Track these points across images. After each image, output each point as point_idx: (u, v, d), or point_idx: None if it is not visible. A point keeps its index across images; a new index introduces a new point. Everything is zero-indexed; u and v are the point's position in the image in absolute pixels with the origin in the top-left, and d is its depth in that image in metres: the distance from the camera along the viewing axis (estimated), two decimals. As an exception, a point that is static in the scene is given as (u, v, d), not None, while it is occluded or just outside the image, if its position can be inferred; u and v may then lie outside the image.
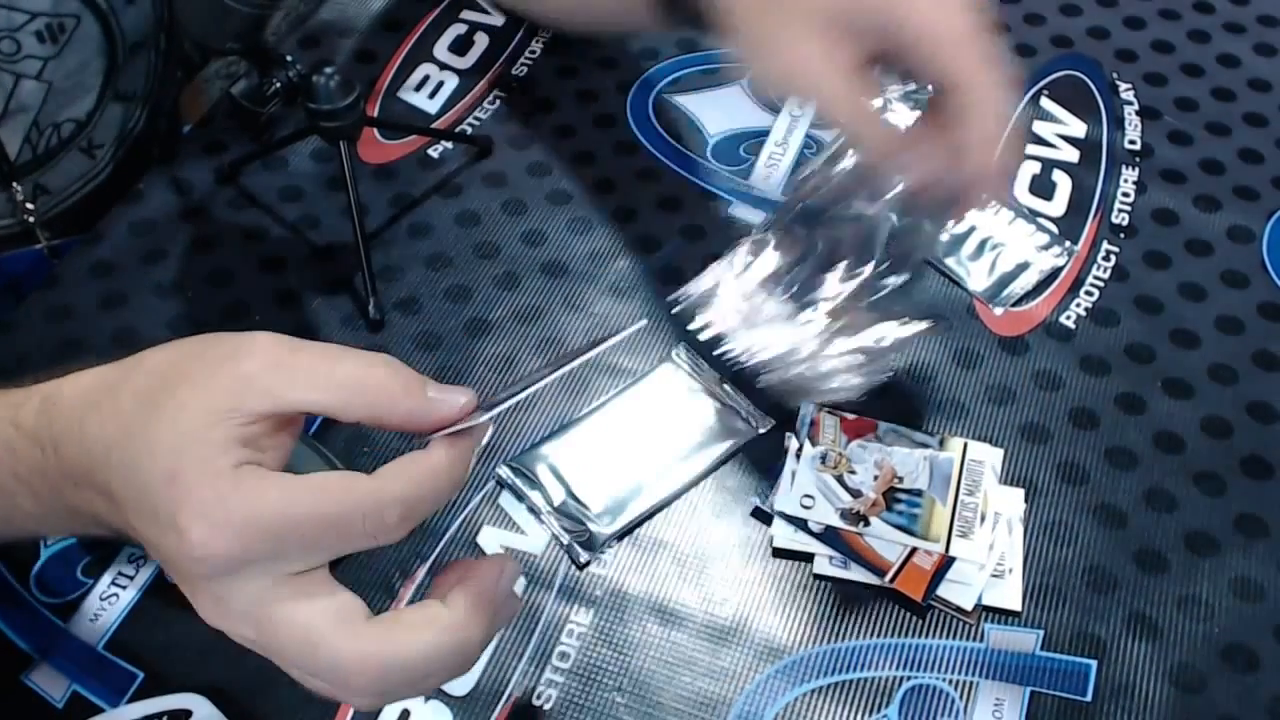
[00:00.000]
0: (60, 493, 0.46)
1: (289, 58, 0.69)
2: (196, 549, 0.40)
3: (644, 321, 0.57)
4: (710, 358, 0.67)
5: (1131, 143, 0.83)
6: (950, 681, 0.58)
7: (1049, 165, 0.81)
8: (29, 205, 0.79)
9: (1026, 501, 0.64)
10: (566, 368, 0.46)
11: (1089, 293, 0.74)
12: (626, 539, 0.63)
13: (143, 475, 0.42)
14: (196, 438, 0.41)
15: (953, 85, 0.56)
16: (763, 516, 0.63)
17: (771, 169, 0.81)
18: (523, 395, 0.45)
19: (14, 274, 0.81)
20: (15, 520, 0.49)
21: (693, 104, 0.84)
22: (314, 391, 0.43)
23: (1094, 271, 0.75)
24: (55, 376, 0.48)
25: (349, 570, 0.61)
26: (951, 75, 0.56)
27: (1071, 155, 0.82)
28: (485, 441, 0.49)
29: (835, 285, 0.60)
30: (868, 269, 0.60)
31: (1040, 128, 0.84)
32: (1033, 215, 0.77)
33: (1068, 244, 0.75)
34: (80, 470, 0.45)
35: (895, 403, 0.68)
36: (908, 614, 0.60)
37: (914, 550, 0.61)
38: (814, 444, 0.65)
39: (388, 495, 0.42)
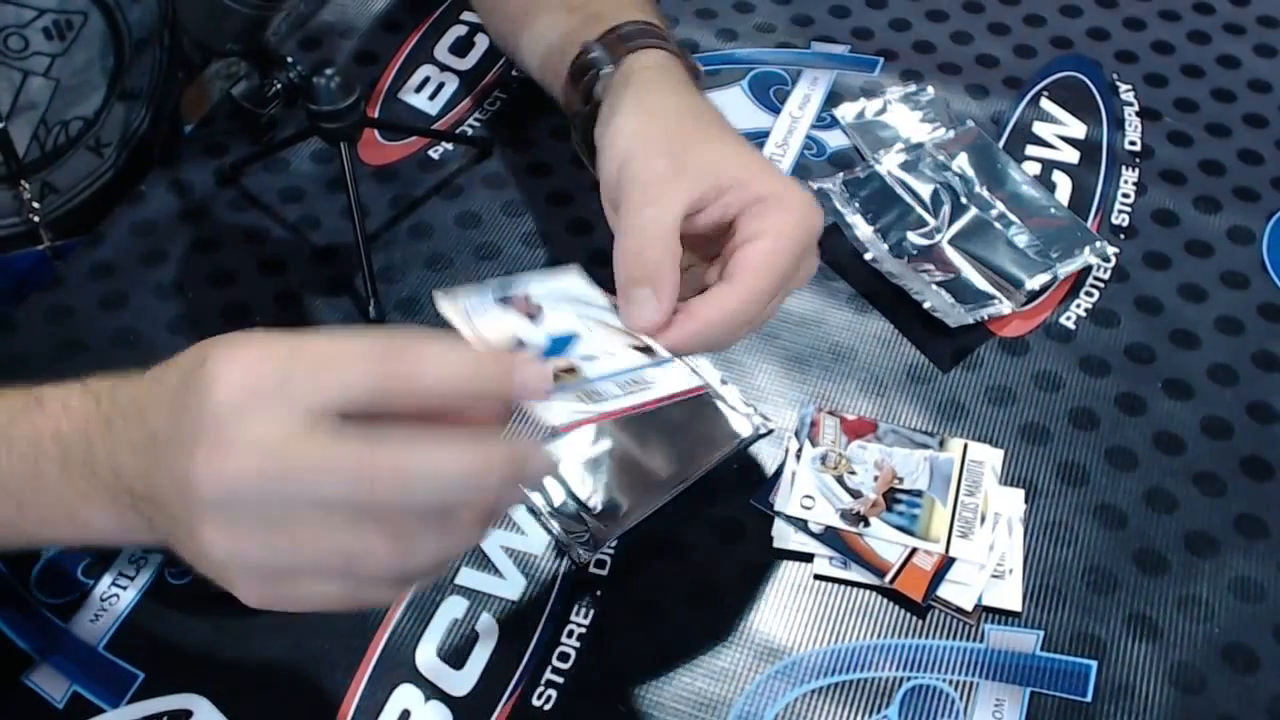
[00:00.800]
0: (93, 456, 0.45)
1: (289, 59, 0.69)
2: (199, 469, 0.40)
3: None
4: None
5: (1131, 143, 0.83)
6: (950, 682, 0.58)
7: (1049, 166, 0.81)
8: (35, 204, 0.79)
9: (1026, 502, 0.64)
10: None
11: (1089, 293, 0.74)
12: (626, 539, 0.63)
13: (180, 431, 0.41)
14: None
15: (732, 272, 0.55)
16: (762, 516, 0.63)
17: (772, 170, 0.81)
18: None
19: (17, 274, 0.82)
20: (28, 501, 0.48)
21: (693, 105, 0.84)
22: (404, 403, 0.42)
23: (1094, 272, 0.75)
24: (56, 379, 0.48)
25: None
26: (741, 265, 0.55)
27: (1071, 156, 0.82)
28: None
29: None
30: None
31: (1040, 128, 0.84)
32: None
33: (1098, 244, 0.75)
34: (127, 418, 0.45)
35: (895, 403, 0.68)
36: (908, 614, 0.60)
37: (914, 550, 0.61)
38: (814, 444, 0.65)
39: (458, 452, 0.41)
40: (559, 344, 0.48)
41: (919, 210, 0.77)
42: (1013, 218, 0.76)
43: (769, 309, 0.56)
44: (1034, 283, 0.73)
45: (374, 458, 0.40)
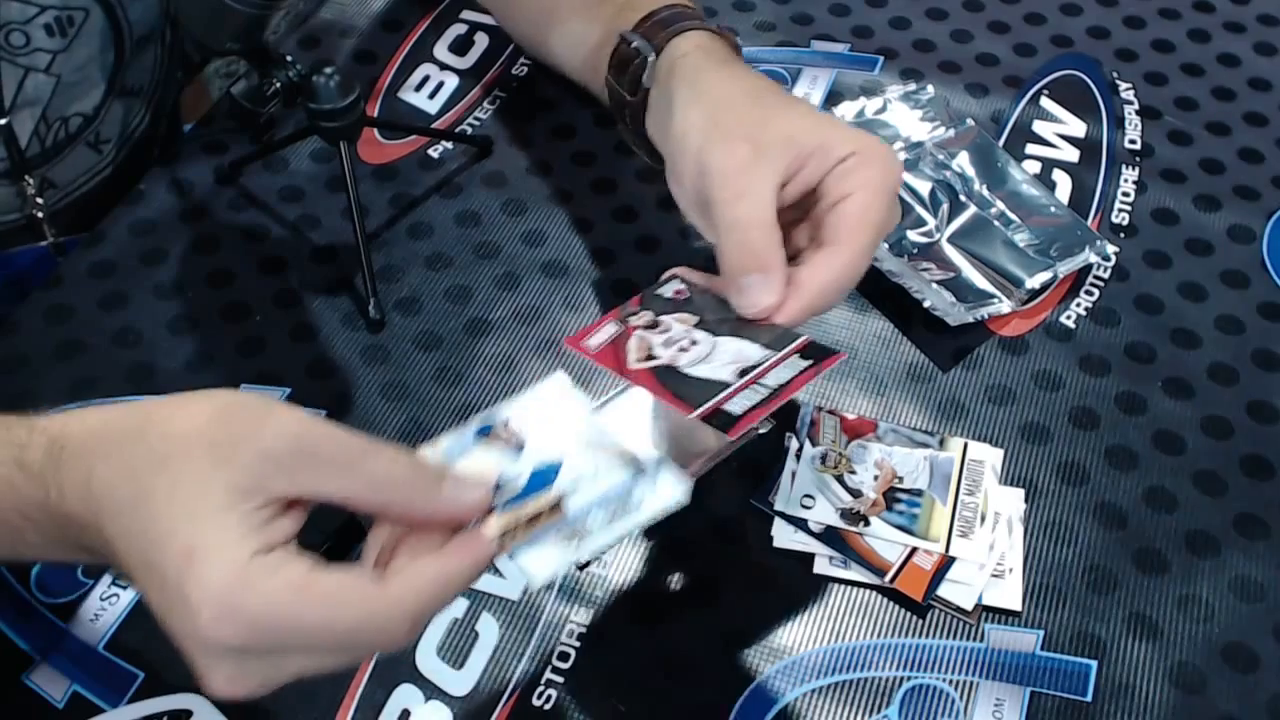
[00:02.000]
0: (65, 532, 0.46)
1: (289, 58, 0.69)
2: (204, 629, 0.41)
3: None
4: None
5: (1131, 142, 0.83)
6: (950, 681, 0.58)
7: (1049, 165, 0.81)
8: (39, 199, 0.79)
9: (1026, 501, 0.64)
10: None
11: (1089, 292, 0.74)
12: (626, 539, 0.63)
13: (155, 543, 0.42)
14: (215, 518, 0.42)
15: (832, 234, 0.56)
16: (762, 516, 0.63)
17: (771, 169, 0.81)
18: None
19: (19, 269, 0.82)
20: (21, 550, 0.49)
21: (693, 104, 0.84)
22: (335, 482, 0.43)
23: (1094, 271, 0.75)
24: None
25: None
26: (839, 226, 0.56)
27: (1071, 155, 0.82)
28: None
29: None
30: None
31: (1040, 128, 0.84)
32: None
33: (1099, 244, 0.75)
34: (85, 518, 0.44)
35: (895, 403, 0.68)
36: (908, 614, 0.60)
37: (914, 550, 0.61)
38: (814, 444, 0.65)
39: (399, 611, 0.43)
40: (540, 477, 0.47)
41: (918, 209, 0.77)
42: (1012, 216, 0.76)
43: (859, 278, 0.57)
44: (1034, 281, 0.73)
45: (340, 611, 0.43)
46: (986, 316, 0.71)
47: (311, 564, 0.42)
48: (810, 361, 0.54)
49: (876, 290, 0.74)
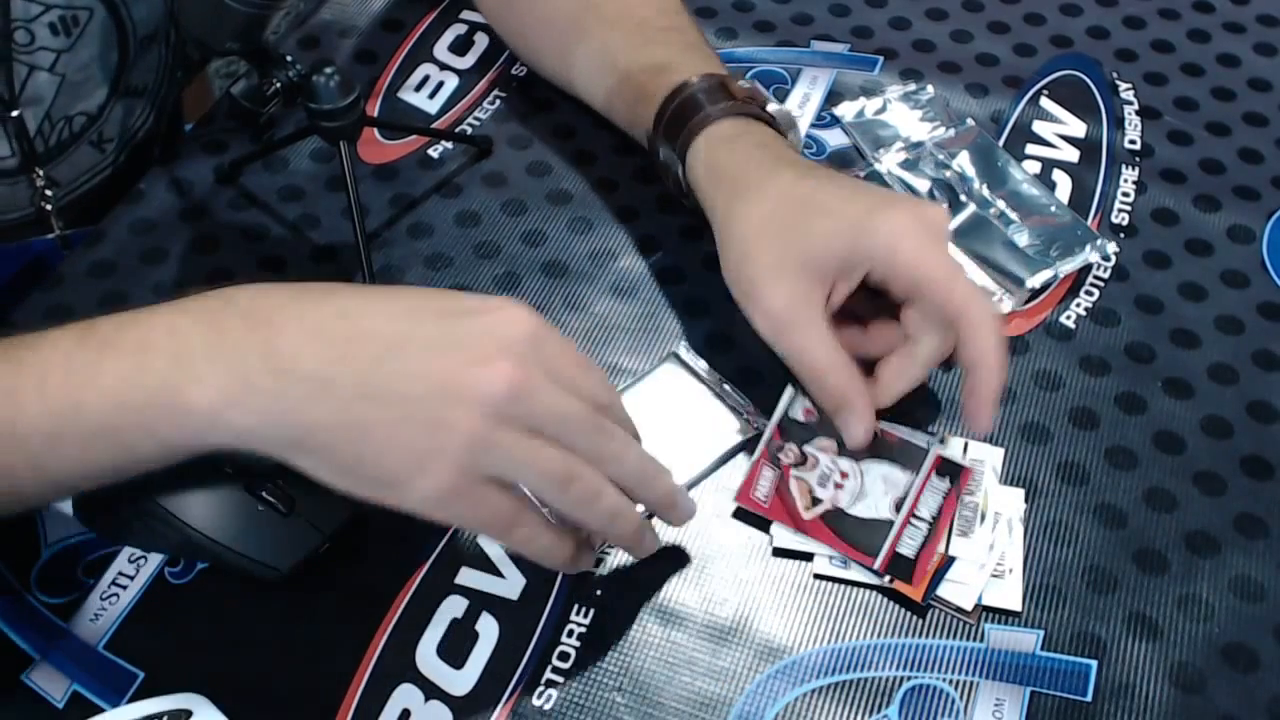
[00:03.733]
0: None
1: (289, 58, 0.69)
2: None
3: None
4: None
5: (1131, 142, 0.83)
6: (950, 681, 0.58)
7: (1049, 165, 0.81)
8: (48, 192, 0.79)
9: (1026, 501, 0.64)
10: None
11: (1089, 292, 0.74)
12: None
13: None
14: None
15: (955, 315, 0.60)
16: (762, 516, 0.63)
17: (771, 169, 0.81)
18: None
19: (25, 261, 0.82)
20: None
21: (693, 104, 0.84)
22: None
23: (1094, 271, 0.75)
24: None
25: (350, 571, 0.61)
26: (954, 306, 0.60)
27: (1071, 155, 0.82)
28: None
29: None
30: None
31: (1040, 128, 0.84)
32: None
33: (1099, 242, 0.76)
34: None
35: (895, 402, 0.68)
36: (908, 614, 0.60)
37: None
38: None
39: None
40: None
41: None
42: (1013, 216, 0.76)
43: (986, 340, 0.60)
44: (1035, 281, 0.73)
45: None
46: None
47: None
48: (948, 482, 0.62)
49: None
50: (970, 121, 0.83)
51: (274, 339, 0.51)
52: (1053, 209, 0.77)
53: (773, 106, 0.70)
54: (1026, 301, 0.73)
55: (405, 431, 0.50)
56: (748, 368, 0.69)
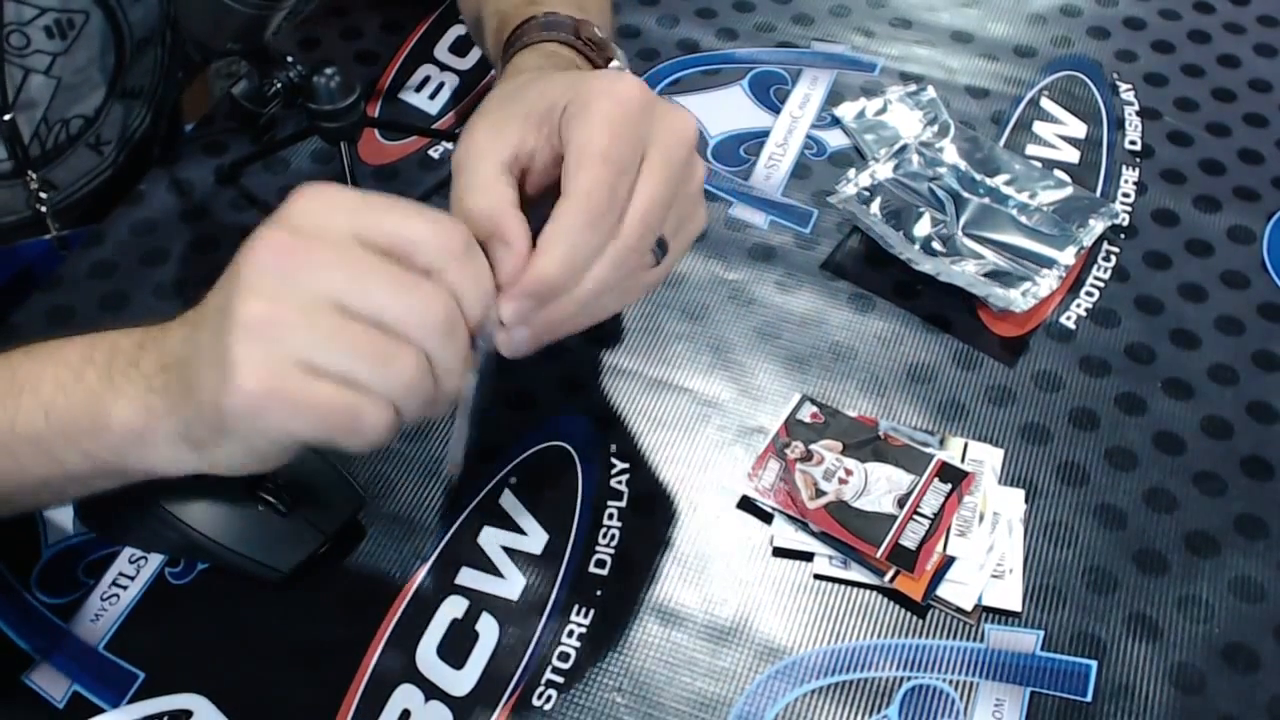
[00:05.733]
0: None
1: (289, 58, 0.69)
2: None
3: None
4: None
5: (1132, 143, 0.83)
6: (950, 682, 0.58)
7: (1049, 166, 0.81)
8: (43, 195, 0.79)
9: (1026, 502, 0.64)
10: None
11: (1089, 293, 0.74)
12: (626, 539, 0.63)
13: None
14: None
15: (564, 192, 0.50)
16: (762, 515, 0.63)
17: (772, 170, 0.81)
18: None
19: (23, 263, 0.82)
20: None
21: (693, 104, 0.84)
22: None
23: (1094, 272, 0.75)
24: None
25: (350, 568, 0.61)
26: (566, 185, 0.50)
27: (1072, 155, 0.82)
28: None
29: None
30: None
31: (1040, 128, 0.84)
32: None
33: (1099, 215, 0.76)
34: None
35: (895, 403, 0.68)
36: (908, 614, 0.60)
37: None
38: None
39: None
40: None
41: (927, 209, 0.76)
42: (1019, 197, 0.76)
43: (638, 234, 0.51)
44: (1066, 257, 0.73)
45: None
46: (1037, 298, 0.71)
47: None
48: (949, 486, 0.63)
49: (877, 290, 0.74)
50: (945, 117, 0.82)
51: (164, 339, 0.51)
52: (1053, 182, 0.77)
53: (615, 64, 0.64)
54: (1063, 276, 0.73)
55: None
56: (745, 364, 0.69)
